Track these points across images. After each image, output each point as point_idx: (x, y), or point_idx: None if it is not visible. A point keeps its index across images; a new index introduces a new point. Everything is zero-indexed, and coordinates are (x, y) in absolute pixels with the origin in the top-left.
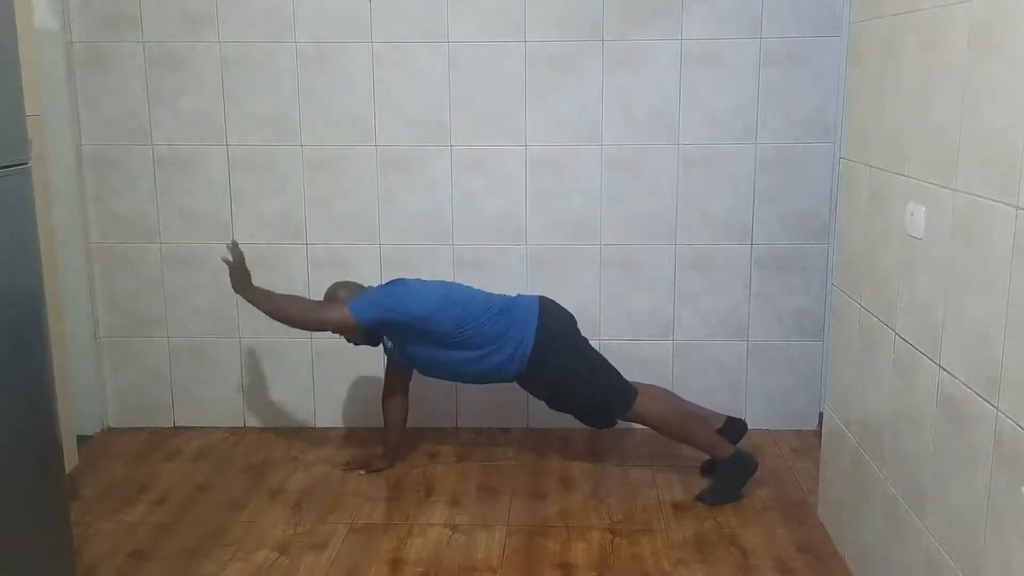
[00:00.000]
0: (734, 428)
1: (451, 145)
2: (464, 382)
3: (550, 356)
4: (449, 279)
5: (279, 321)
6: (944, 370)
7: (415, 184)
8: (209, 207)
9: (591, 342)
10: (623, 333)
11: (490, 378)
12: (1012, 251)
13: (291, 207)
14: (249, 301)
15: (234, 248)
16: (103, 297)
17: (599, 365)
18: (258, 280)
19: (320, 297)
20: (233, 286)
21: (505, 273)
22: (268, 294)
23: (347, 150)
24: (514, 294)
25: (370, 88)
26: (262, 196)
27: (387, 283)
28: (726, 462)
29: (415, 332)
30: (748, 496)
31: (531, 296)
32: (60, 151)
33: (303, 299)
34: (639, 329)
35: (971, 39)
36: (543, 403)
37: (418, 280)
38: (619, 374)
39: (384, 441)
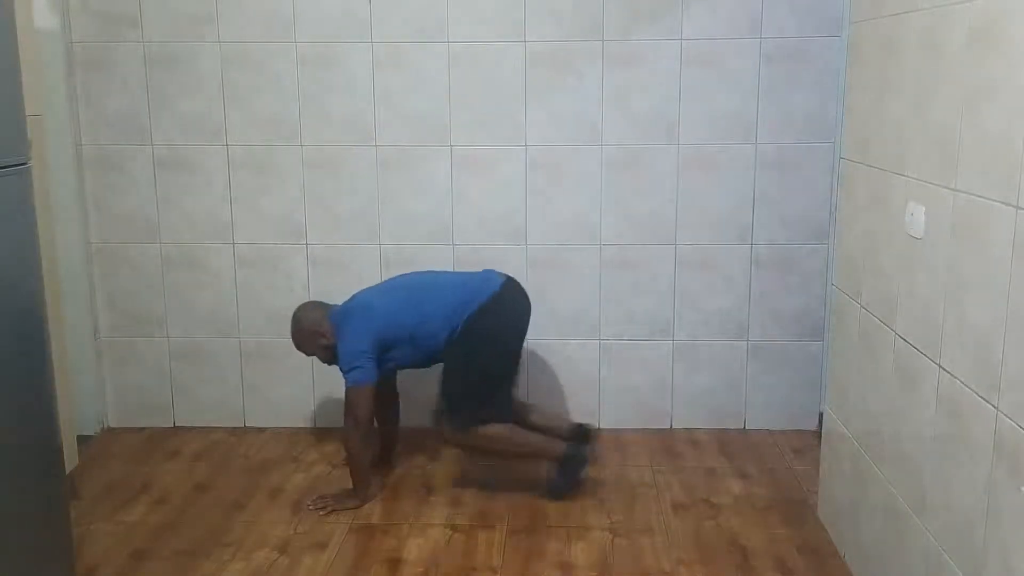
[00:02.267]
0: (580, 432)
1: (451, 145)
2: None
3: (471, 336)
4: None
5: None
6: (944, 370)
7: (415, 184)
8: (209, 207)
9: (591, 342)
10: (623, 333)
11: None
12: (1012, 251)
13: (291, 207)
14: (364, 484)
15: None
16: (103, 297)
17: (482, 375)
18: (258, 280)
19: (319, 293)
20: (354, 504)
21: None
22: (355, 469)
23: (347, 150)
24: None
25: (370, 88)
26: (262, 196)
27: (346, 320)
28: (561, 459)
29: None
30: (748, 496)
31: (494, 279)
32: (60, 151)
33: (348, 434)
34: (639, 329)
35: (971, 39)
36: (540, 403)
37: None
38: (492, 401)
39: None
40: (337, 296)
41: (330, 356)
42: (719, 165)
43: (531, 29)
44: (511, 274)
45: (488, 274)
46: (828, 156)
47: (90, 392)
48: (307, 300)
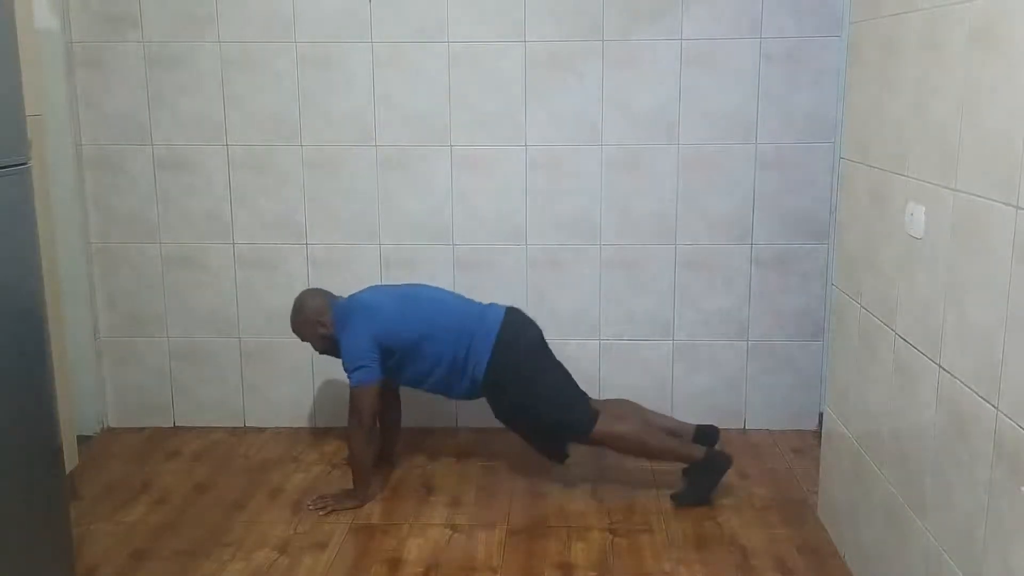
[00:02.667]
0: (705, 435)
1: (451, 145)
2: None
3: (506, 377)
4: (449, 279)
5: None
6: (944, 370)
7: (415, 184)
8: (209, 207)
9: (591, 342)
10: (623, 333)
11: (448, 391)
12: (1012, 251)
13: (291, 207)
14: (364, 484)
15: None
16: (103, 297)
17: (559, 385)
18: (258, 280)
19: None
20: (354, 504)
21: (505, 273)
22: (356, 468)
23: (347, 150)
24: (485, 302)
25: (370, 88)
26: (262, 196)
27: (349, 317)
28: (697, 463)
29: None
30: (748, 496)
31: (496, 311)
32: (60, 151)
33: (351, 433)
34: (639, 329)
35: (971, 39)
36: None
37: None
38: (581, 396)
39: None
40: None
41: (327, 346)
42: (719, 165)
43: (531, 29)
44: (511, 274)
45: (491, 305)
46: (828, 156)
47: (90, 392)
48: (311, 287)
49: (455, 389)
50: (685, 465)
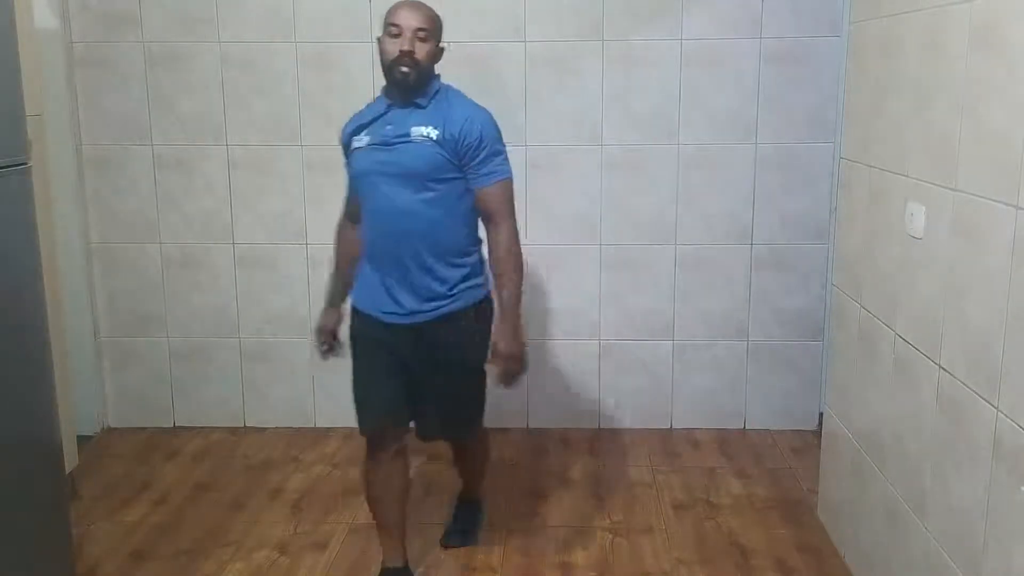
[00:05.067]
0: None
1: None
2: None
3: (477, 326)
4: None
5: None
6: (944, 370)
7: None
8: (209, 207)
9: (591, 342)
10: (623, 333)
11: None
12: (1012, 251)
13: (291, 207)
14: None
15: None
16: (103, 297)
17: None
18: (258, 280)
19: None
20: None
21: None
22: (515, 311)
23: None
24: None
25: (370, 88)
26: (262, 196)
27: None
28: (475, 503)
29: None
30: (748, 496)
31: None
32: (60, 151)
33: (515, 233)
34: (639, 329)
35: (971, 39)
36: (540, 403)
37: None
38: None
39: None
40: None
41: (427, 67)
42: (719, 165)
43: (531, 29)
44: None
45: None
46: (828, 156)
47: (90, 392)
48: None
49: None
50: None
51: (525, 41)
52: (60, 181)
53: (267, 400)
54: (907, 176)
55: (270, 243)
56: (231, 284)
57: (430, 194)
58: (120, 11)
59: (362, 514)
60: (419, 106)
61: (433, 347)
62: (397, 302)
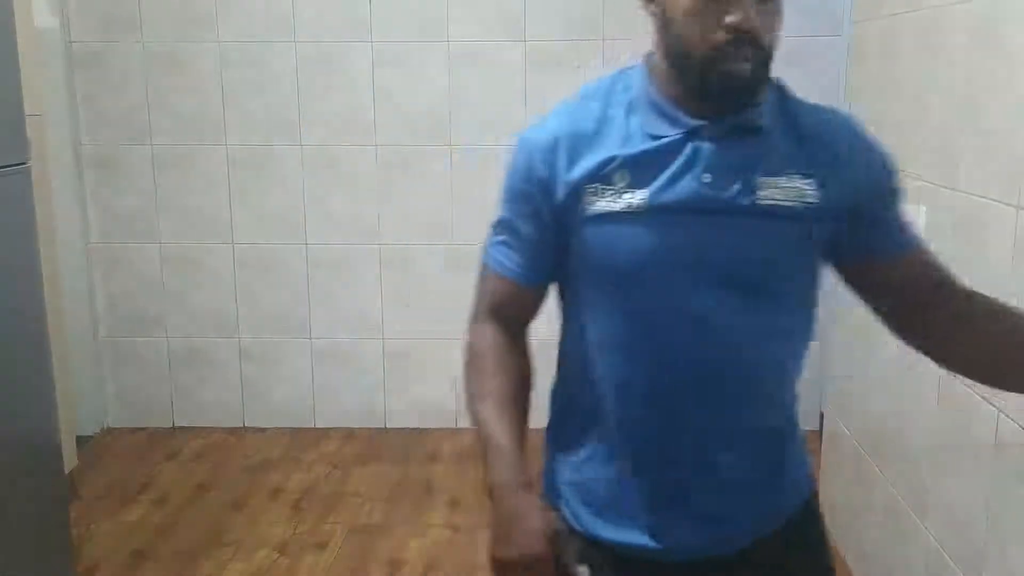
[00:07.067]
0: None
1: (451, 145)
2: None
3: None
4: (448, 280)
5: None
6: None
7: (415, 184)
8: (209, 207)
9: None
10: None
11: None
12: (1012, 251)
13: (291, 207)
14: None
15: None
16: (103, 297)
17: None
18: (258, 280)
19: (319, 293)
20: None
21: None
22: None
23: (347, 149)
24: None
25: (370, 88)
26: (262, 196)
27: None
28: None
29: None
30: None
31: None
32: (60, 151)
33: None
34: None
35: (971, 39)
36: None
37: None
38: None
39: None
40: (339, 297)
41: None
42: None
43: (531, 29)
44: None
45: None
46: None
47: (90, 392)
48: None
49: None
50: None
51: (525, 41)
52: (60, 181)
53: (267, 400)
54: (907, 176)
55: (270, 243)
56: (231, 284)
57: (793, 315)
58: (120, 11)
59: (362, 514)
60: (756, 129)
61: None
62: (705, 520)
